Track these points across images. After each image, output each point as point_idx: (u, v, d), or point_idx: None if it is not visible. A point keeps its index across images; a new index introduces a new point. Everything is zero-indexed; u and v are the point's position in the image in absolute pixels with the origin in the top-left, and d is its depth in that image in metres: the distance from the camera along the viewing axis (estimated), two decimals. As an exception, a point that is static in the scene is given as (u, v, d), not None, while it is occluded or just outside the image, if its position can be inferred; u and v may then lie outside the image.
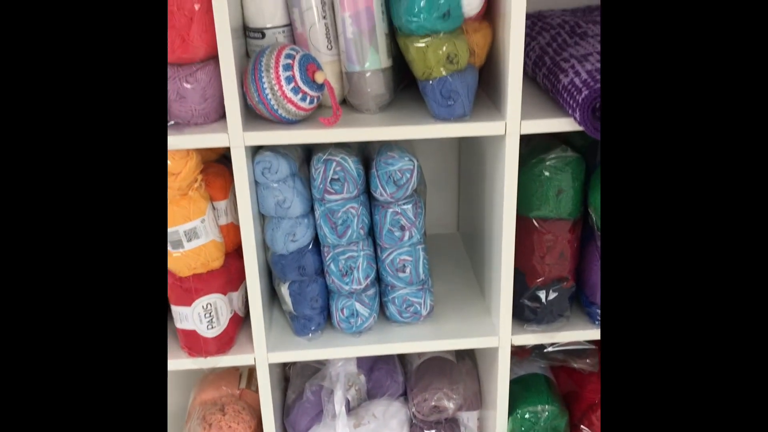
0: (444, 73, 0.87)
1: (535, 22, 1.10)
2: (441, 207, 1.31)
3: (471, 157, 1.16)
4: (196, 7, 0.84)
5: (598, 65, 0.88)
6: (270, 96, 0.86)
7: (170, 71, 0.87)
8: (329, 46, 0.93)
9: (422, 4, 0.83)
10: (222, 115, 0.90)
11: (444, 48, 0.86)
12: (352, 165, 0.94)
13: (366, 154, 1.01)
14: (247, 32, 0.94)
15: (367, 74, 0.92)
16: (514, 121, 0.89)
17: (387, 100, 0.95)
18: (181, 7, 0.84)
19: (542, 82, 0.98)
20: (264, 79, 0.86)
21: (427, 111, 0.92)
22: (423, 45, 0.86)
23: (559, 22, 1.06)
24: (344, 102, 0.97)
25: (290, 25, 0.94)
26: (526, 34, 1.04)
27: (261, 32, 0.93)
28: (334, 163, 0.94)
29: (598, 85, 0.84)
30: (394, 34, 0.92)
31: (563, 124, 0.89)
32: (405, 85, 1.00)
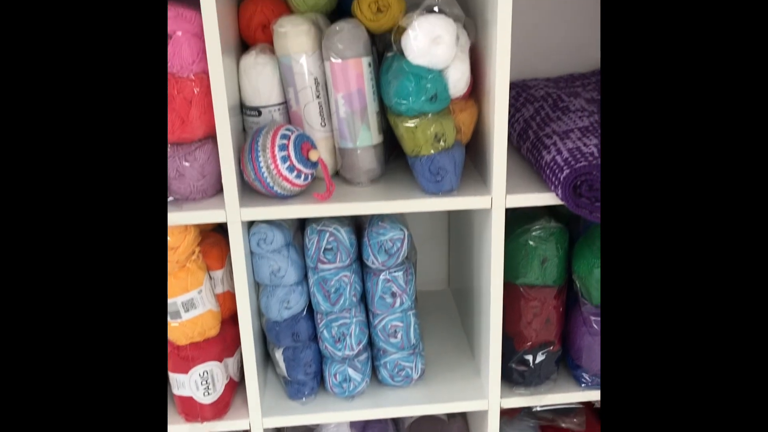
0: (432, 151, 0.91)
1: (519, 93, 1.14)
2: (432, 263, 1.35)
3: (460, 221, 1.19)
4: (196, 90, 0.88)
5: (579, 143, 0.93)
6: (266, 174, 0.90)
7: (170, 150, 0.91)
8: (323, 123, 0.97)
9: (411, 88, 0.88)
10: (219, 190, 0.94)
11: (432, 128, 0.90)
12: (344, 235, 0.98)
13: (358, 222, 1.05)
14: (244, 110, 0.98)
15: (359, 151, 0.96)
16: (499, 195, 0.93)
17: (378, 174, 0.99)
18: (181, 91, 0.88)
19: (526, 154, 1.02)
20: (260, 159, 0.90)
21: (416, 182, 0.96)
22: (412, 125, 0.91)
23: (542, 95, 1.11)
24: (337, 174, 1.01)
25: (285, 103, 0.98)
26: (511, 105, 1.09)
27: (257, 110, 0.97)
28: (328, 234, 0.97)
29: (579, 164, 0.88)
30: (384, 110, 0.96)
31: (547, 199, 0.93)
32: (395, 155, 1.04)
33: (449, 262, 1.36)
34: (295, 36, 0.93)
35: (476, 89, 0.97)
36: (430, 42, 0.86)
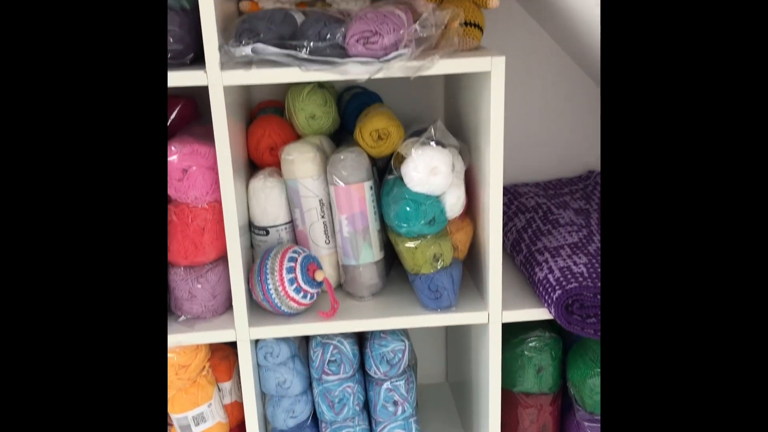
0: (431, 270, 0.97)
1: (511, 200, 1.21)
2: (429, 357, 1.38)
3: (458, 328, 1.24)
4: (209, 218, 0.94)
5: (569, 262, 0.98)
6: (274, 296, 0.95)
7: (183, 273, 0.96)
8: (327, 241, 1.03)
9: (410, 212, 0.94)
10: (228, 307, 0.99)
11: (431, 250, 0.96)
12: (348, 347, 1.02)
13: (361, 333, 1.09)
14: (252, 229, 1.04)
15: (362, 267, 1.01)
16: (495, 311, 0.98)
17: (380, 288, 1.04)
18: (195, 219, 0.93)
19: (520, 266, 1.08)
20: (269, 281, 0.95)
21: (416, 294, 1.01)
22: (412, 246, 0.96)
23: (533, 205, 1.18)
24: (339, 287, 1.06)
25: (292, 222, 1.04)
26: (504, 213, 1.15)
27: (265, 230, 1.03)
28: (332, 346, 1.02)
29: (570, 285, 0.93)
30: (385, 228, 1.02)
31: (541, 314, 0.99)
32: (395, 264, 1.09)
33: (447, 356, 1.40)
34: (301, 162, 0.99)
35: (471, 207, 1.03)
36: (428, 173, 0.93)
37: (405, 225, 0.95)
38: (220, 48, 0.85)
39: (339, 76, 0.85)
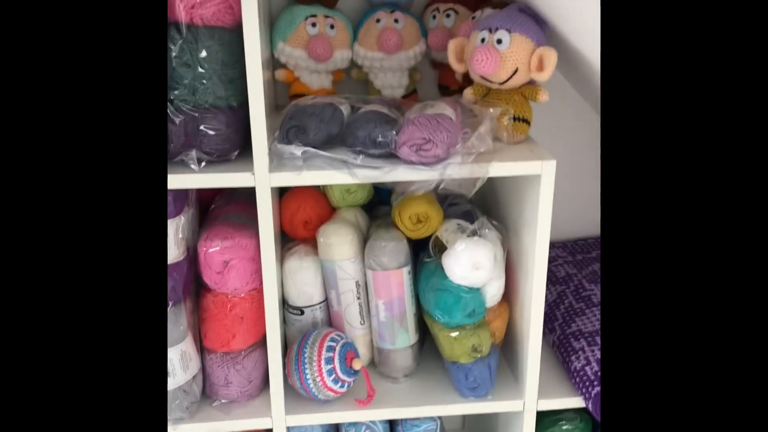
0: (469, 360, 0.96)
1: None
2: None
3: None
4: (248, 306, 0.93)
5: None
6: (312, 385, 0.94)
7: (219, 359, 0.95)
8: (362, 322, 1.02)
9: (451, 304, 0.93)
10: (262, 389, 0.98)
11: (470, 340, 0.95)
12: (380, 427, 1.02)
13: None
14: (286, 307, 1.02)
15: (397, 351, 1.00)
16: (531, 399, 0.98)
17: (413, 369, 1.03)
18: (233, 308, 0.92)
19: (552, 346, 1.07)
20: (307, 371, 0.94)
21: (450, 379, 1.00)
22: (451, 336, 0.96)
23: (563, 276, 1.17)
24: (371, 364, 1.05)
25: (326, 301, 1.03)
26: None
27: (300, 310, 1.01)
28: (364, 427, 1.02)
29: (609, 383, 0.93)
30: (421, 309, 1.01)
31: (576, 402, 0.99)
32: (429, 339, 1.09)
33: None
34: (339, 245, 0.98)
35: (508, 291, 1.02)
36: (471, 267, 0.92)
37: (445, 316, 0.94)
38: (270, 148, 0.83)
39: (389, 179, 0.84)
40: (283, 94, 1.12)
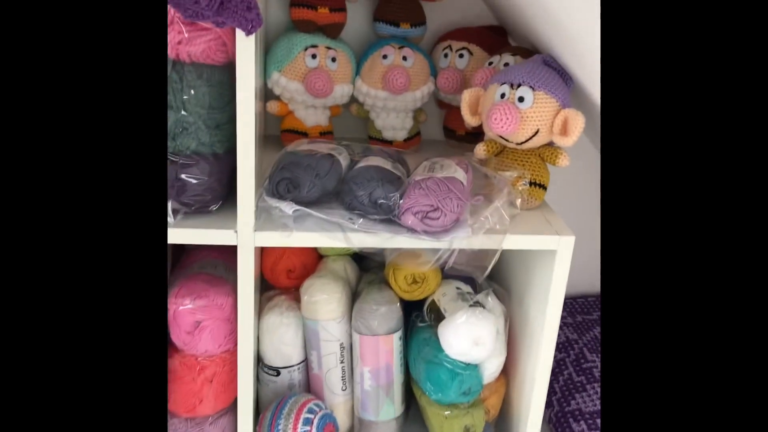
0: (461, 442, 0.88)
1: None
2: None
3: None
4: (218, 369, 0.83)
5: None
6: (285, 461, 0.85)
7: (183, 424, 0.85)
8: (344, 388, 0.92)
9: (445, 381, 0.84)
10: (229, 457, 0.88)
11: (462, 420, 0.86)
12: (356, 502, 0.93)
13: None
14: (261, 366, 0.93)
15: (380, 423, 0.91)
16: (525, 485, 0.89)
17: (397, 443, 0.94)
18: (202, 372, 0.82)
19: (549, 423, 0.99)
20: (280, 446, 0.84)
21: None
22: (442, 414, 0.87)
23: (563, 341, 1.09)
24: (351, 429, 0.96)
25: (305, 362, 0.93)
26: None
27: (276, 371, 0.92)
28: (338, 502, 0.92)
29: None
30: (409, 378, 0.92)
31: (571, 492, 0.90)
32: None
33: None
34: (325, 304, 0.88)
35: (507, 365, 0.93)
36: (471, 343, 0.83)
37: (437, 393, 0.85)
38: (257, 204, 0.73)
39: (389, 245, 0.75)
40: (273, 125, 1.02)
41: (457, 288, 0.90)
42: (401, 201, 0.73)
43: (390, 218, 0.75)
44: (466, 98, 0.84)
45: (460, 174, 0.77)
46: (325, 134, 0.99)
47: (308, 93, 0.93)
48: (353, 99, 1.00)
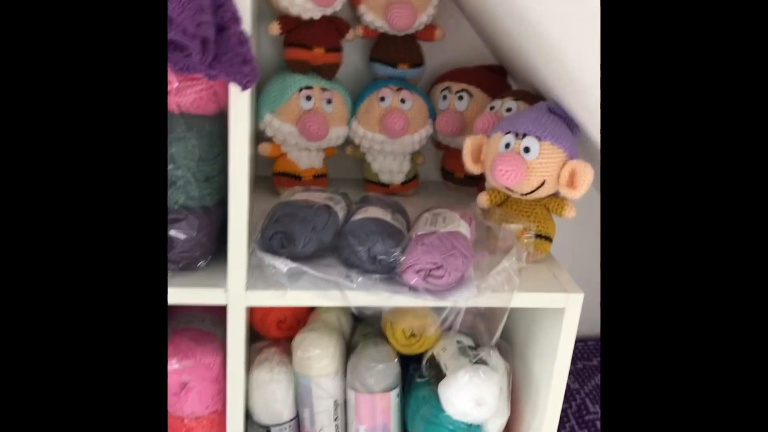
0: (461, 506, 0.83)
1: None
2: None
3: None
4: (205, 431, 0.78)
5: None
6: None
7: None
8: (338, 446, 0.87)
9: (446, 442, 0.80)
10: None
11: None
12: None
13: None
14: (250, 423, 0.87)
15: (377, 485, 0.86)
16: None
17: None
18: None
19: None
20: None
21: None
22: (441, 476, 0.82)
23: (564, 395, 1.05)
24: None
25: (297, 418, 0.88)
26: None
27: (266, 429, 0.87)
28: None
29: None
30: (406, 434, 0.88)
31: None
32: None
33: None
34: (318, 359, 0.84)
35: (509, 423, 0.89)
36: (474, 404, 0.79)
37: (437, 454, 0.81)
38: (250, 257, 0.68)
39: (389, 304, 0.70)
40: (264, 166, 0.98)
41: (458, 342, 0.86)
42: (403, 257, 0.69)
43: (390, 273, 0.71)
44: (468, 146, 0.81)
45: (463, 227, 0.73)
46: (320, 177, 0.95)
47: (302, 136, 0.89)
48: (348, 140, 0.96)
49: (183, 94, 0.62)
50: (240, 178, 0.64)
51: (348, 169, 1.02)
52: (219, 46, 0.54)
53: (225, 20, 0.54)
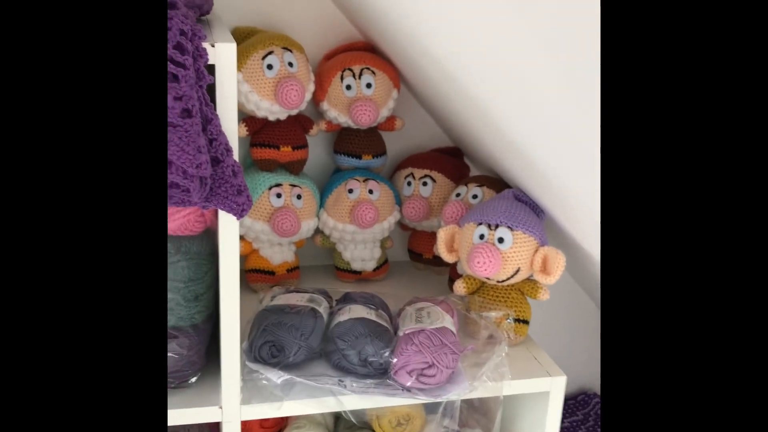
0: None
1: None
2: None
3: None
4: None
5: None
6: None
7: None
8: None
9: None
10: None
11: None
12: None
13: None
14: None
15: None
16: None
17: None
18: None
19: None
20: None
21: None
22: None
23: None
24: None
25: None
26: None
27: None
28: None
29: None
30: None
31: None
32: None
33: None
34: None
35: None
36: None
37: None
38: (242, 374, 0.68)
39: (384, 404, 0.71)
40: (236, 263, 0.98)
41: (444, 427, 0.87)
42: (393, 359, 0.71)
43: (380, 373, 0.72)
44: (442, 236, 0.83)
45: (448, 321, 0.75)
46: (293, 270, 0.96)
47: (275, 233, 0.90)
48: (317, 231, 0.98)
49: (172, 219, 0.62)
50: (231, 297, 0.64)
51: (317, 256, 1.03)
52: (214, 179, 0.55)
53: (219, 153, 0.55)
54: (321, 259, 1.04)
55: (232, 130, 0.59)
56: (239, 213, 0.57)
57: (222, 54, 0.57)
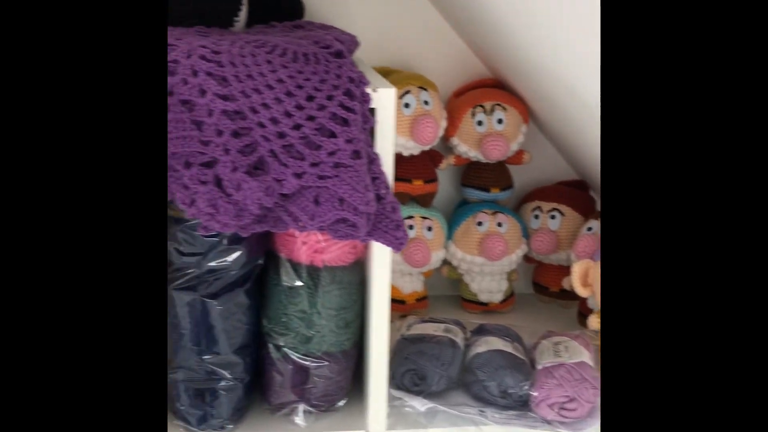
0: None
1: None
2: None
3: None
4: None
5: None
6: None
7: None
8: None
9: None
10: None
11: None
12: None
13: None
14: None
15: None
16: None
17: None
18: None
19: None
20: None
21: None
22: None
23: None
24: None
25: None
26: None
27: None
28: None
29: None
30: None
31: None
32: None
33: None
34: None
35: None
36: None
37: None
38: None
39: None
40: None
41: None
42: (534, 392, 0.72)
43: (519, 405, 0.73)
44: (576, 271, 0.84)
45: (586, 356, 0.75)
46: (422, 300, 0.99)
47: (407, 263, 0.93)
48: (444, 262, 1.00)
49: (329, 251, 0.67)
50: (381, 324, 0.68)
51: (442, 286, 1.06)
52: (376, 215, 0.59)
53: (380, 191, 0.59)
54: (445, 290, 1.06)
55: (389, 168, 0.62)
56: (398, 246, 0.60)
57: (383, 98, 0.61)
